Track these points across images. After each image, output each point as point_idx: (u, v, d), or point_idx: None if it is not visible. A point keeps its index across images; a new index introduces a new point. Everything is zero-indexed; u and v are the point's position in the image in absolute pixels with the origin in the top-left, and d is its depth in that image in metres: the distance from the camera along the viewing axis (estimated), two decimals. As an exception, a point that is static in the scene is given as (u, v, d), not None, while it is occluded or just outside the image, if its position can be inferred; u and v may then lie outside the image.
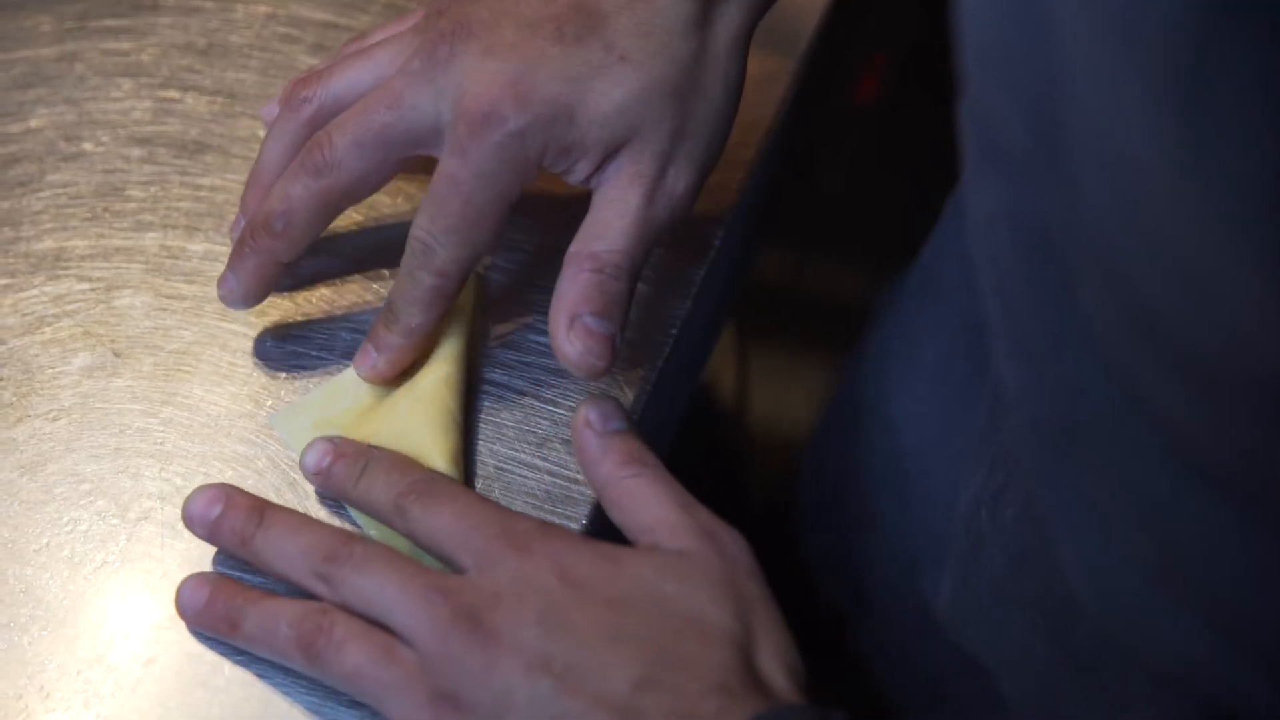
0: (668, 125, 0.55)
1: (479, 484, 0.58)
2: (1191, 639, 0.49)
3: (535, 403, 0.60)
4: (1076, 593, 0.54)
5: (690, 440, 0.77)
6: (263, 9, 0.72)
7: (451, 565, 0.53)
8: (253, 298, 0.59)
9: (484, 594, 0.50)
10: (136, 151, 0.67)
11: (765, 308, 1.39)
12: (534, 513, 0.57)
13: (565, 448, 0.59)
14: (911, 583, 0.75)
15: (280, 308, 0.62)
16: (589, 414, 0.56)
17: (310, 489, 0.57)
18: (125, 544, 0.56)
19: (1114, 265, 0.37)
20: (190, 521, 0.55)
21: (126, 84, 0.69)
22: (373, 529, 0.56)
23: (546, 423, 0.59)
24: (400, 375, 0.58)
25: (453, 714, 0.49)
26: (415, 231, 0.55)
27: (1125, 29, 0.32)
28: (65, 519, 0.57)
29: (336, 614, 0.51)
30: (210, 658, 0.54)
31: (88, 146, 0.67)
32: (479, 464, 0.58)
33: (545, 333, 0.61)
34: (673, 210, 0.56)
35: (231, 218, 0.64)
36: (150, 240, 0.64)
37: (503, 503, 0.57)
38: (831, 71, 0.81)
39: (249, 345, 0.61)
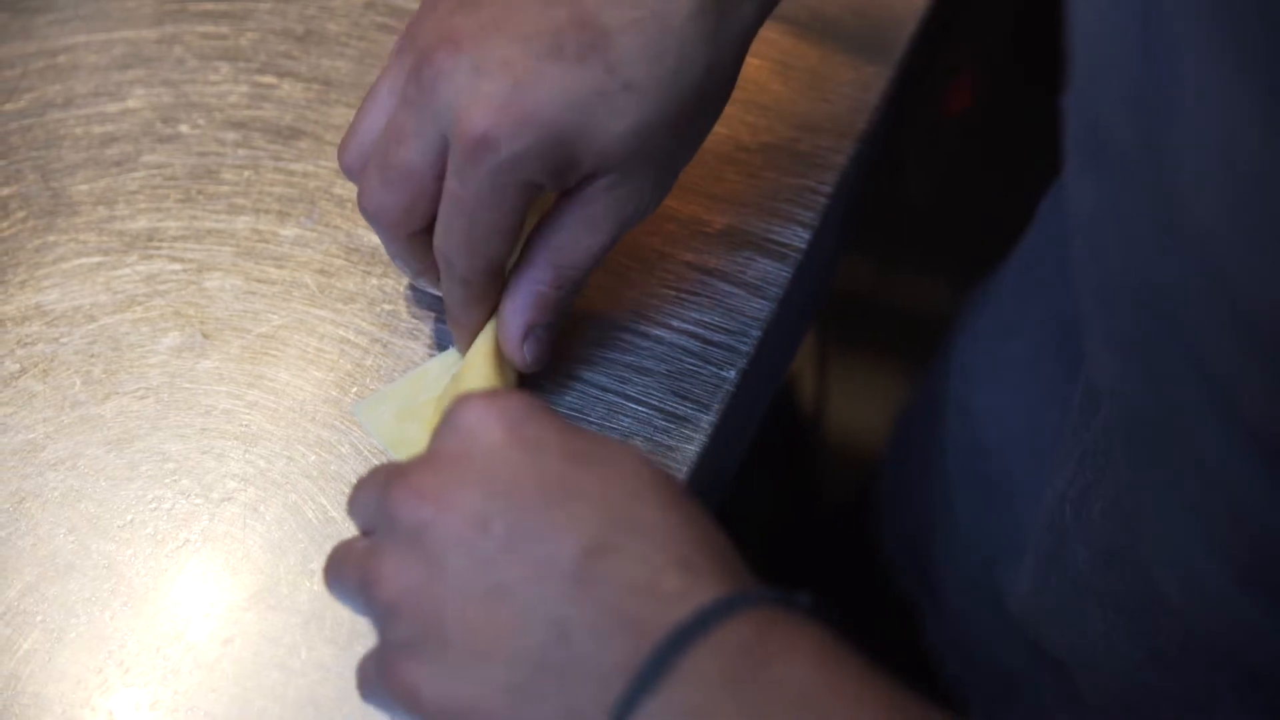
0: (663, 158, 0.53)
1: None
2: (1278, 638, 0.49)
3: (618, 399, 0.60)
4: (1163, 590, 0.54)
5: (769, 440, 0.77)
6: (360, -2, 0.72)
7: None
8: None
9: (426, 461, 0.46)
10: (231, 135, 0.68)
11: (847, 314, 1.38)
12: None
13: (648, 445, 0.59)
14: (987, 577, 0.75)
15: (368, 295, 0.62)
16: None
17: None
18: (208, 524, 0.57)
19: (1218, 270, 0.37)
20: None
21: (224, 68, 0.70)
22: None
23: (629, 420, 0.59)
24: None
25: (382, 590, 0.45)
26: (435, 243, 0.54)
27: (1238, 38, 0.32)
28: (150, 497, 0.57)
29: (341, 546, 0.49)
30: (288, 640, 0.54)
31: (184, 128, 0.68)
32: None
33: (630, 329, 0.61)
34: (637, 223, 0.55)
35: (323, 204, 0.65)
36: (242, 224, 0.65)
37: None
38: (925, 79, 0.81)
39: (336, 331, 0.61)
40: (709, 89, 0.53)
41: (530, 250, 0.55)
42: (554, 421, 0.47)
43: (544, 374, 0.60)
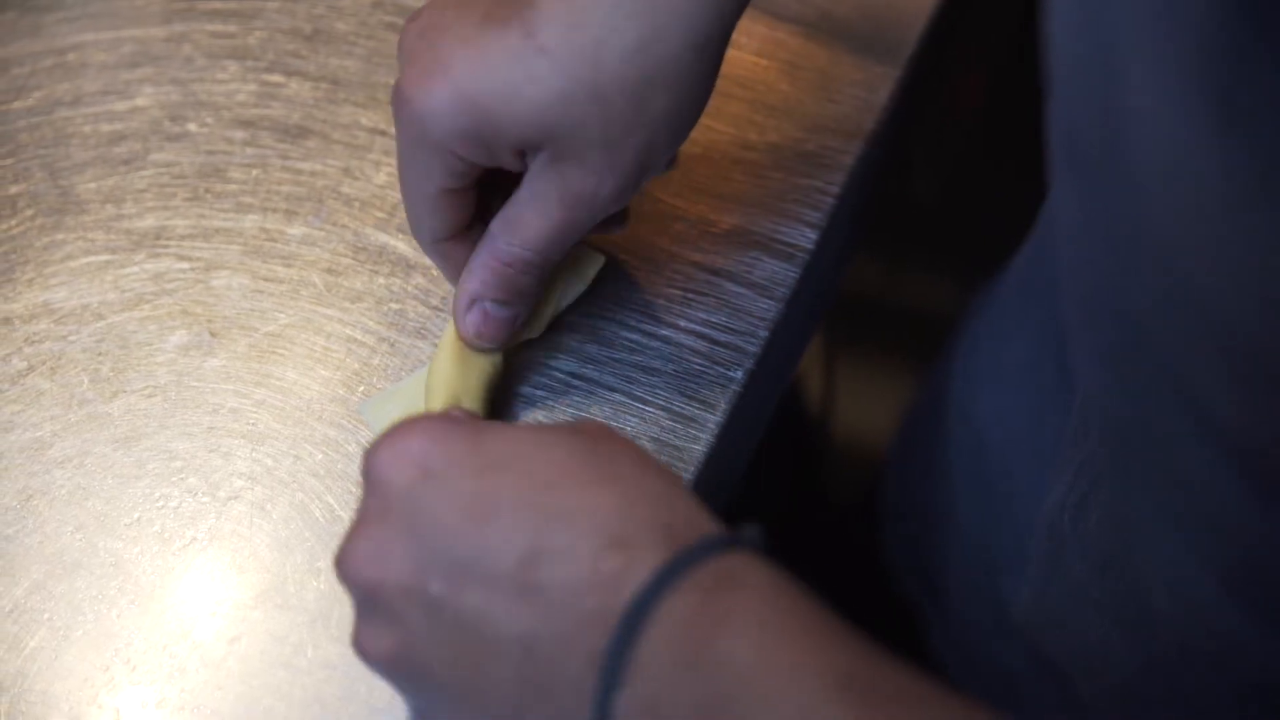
0: (587, 133, 0.51)
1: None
2: (1267, 647, 0.49)
3: (624, 399, 0.60)
4: (1156, 598, 0.54)
5: (776, 441, 0.77)
6: (368, -3, 0.72)
7: None
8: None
9: (358, 527, 0.46)
10: (239, 134, 0.68)
11: (855, 315, 1.38)
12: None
13: (654, 445, 0.59)
14: (990, 583, 0.75)
15: (375, 294, 0.62)
16: None
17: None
18: (214, 522, 0.57)
19: (1191, 286, 0.37)
20: None
21: (232, 66, 0.70)
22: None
23: (636, 420, 0.59)
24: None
25: (375, 663, 0.46)
26: None
27: (1170, 49, 0.33)
28: (157, 495, 0.57)
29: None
30: (294, 639, 0.54)
31: (192, 127, 0.68)
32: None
33: (636, 329, 0.61)
34: (593, 214, 0.53)
35: (331, 203, 0.65)
36: (249, 222, 0.65)
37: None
38: (933, 79, 0.81)
39: (343, 330, 0.61)
40: (646, 66, 0.50)
41: (491, 224, 0.55)
42: (459, 439, 0.46)
43: (547, 375, 0.60)
